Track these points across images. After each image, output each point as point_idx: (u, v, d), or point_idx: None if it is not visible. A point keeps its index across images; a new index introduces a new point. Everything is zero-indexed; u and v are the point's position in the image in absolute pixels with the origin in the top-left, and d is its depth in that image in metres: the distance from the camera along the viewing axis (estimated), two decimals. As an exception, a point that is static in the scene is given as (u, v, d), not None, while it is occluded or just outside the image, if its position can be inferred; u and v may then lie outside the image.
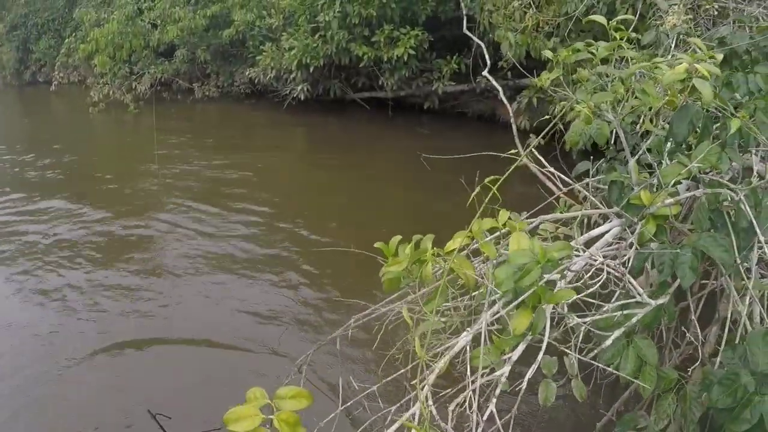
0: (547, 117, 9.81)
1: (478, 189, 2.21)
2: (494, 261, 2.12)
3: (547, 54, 3.08)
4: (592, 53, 2.77)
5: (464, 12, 10.26)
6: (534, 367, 1.95)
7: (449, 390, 2.27)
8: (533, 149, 8.60)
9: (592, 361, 2.41)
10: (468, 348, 2.02)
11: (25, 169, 11.59)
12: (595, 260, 2.41)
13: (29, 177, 11.13)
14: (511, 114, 9.45)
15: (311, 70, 12.52)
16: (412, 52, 11.25)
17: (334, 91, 13.73)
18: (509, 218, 2.28)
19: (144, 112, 16.32)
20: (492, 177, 2.21)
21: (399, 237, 2.47)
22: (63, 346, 5.49)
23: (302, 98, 13.37)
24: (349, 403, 3.03)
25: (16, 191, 10.11)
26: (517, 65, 6.65)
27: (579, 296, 2.20)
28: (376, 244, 2.44)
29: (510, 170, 2.24)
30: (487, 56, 10.23)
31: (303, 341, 5.31)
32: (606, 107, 2.77)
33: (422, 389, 1.91)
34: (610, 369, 2.39)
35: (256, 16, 14.97)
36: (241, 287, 6.54)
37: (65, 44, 21.04)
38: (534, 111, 10.11)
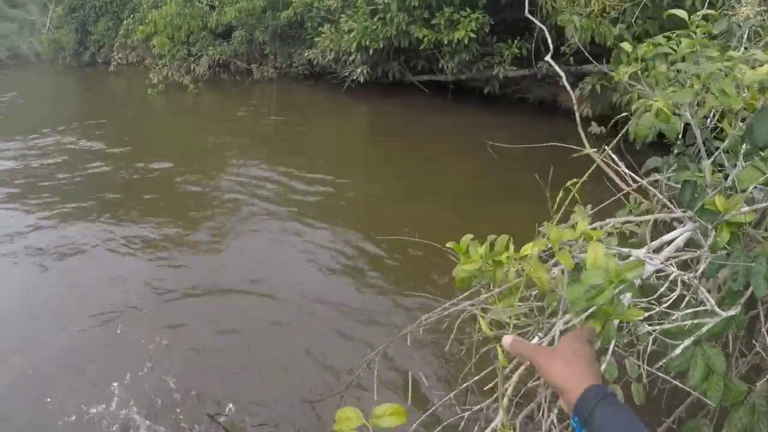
0: (610, 105, 9.70)
1: (561, 193, 2.11)
2: (568, 271, 2.03)
3: (625, 47, 2.93)
4: (672, 49, 2.64)
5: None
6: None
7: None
8: (594, 137, 8.37)
9: (652, 370, 2.31)
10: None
11: (92, 141, 11.85)
12: (666, 268, 2.30)
13: (96, 149, 11.35)
14: (574, 102, 9.26)
15: (370, 52, 12.42)
16: (472, 35, 11.02)
17: (393, 73, 13.62)
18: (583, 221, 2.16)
19: (203, 92, 16.51)
20: (572, 180, 2.11)
21: (470, 236, 2.39)
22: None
23: (361, 80, 13.30)
24: (425, 415, 3.01)
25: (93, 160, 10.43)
26: (583, 50, 6.47)
27: (646, 300, 2.12)
28: (449, 244, 2.38)
29: (587, 173, 2.12)
30: (549, 41, 10.06)
31: (369, 332, 5.24)
32: (684, 105, 2.62)
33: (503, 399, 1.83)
34: (670, 378, 2.29)
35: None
36: (298, 266, 6.51)
37: (123, 26, 21.34)
38: (597, 98, 9.88)
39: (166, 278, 6.27)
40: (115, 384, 4.55)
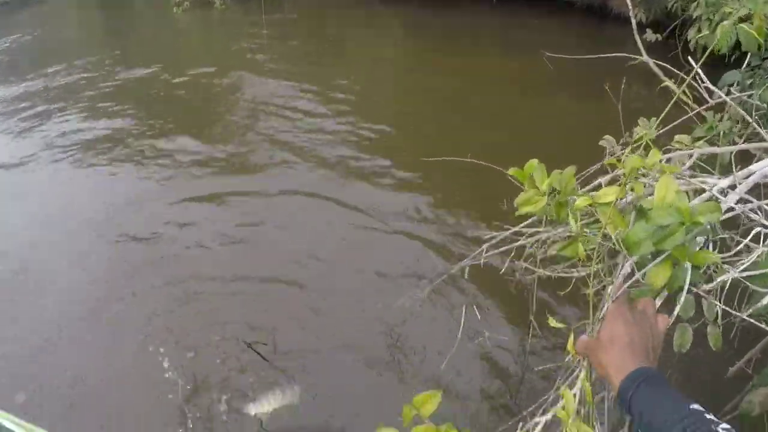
0: (666, 11, 8.88)
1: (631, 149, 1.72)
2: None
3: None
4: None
5: None
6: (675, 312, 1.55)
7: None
8: (649, 45, 7.70)
9: (730, 310, 1.91)
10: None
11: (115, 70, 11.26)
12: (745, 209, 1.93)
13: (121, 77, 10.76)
14: (629, 6, 8.49)
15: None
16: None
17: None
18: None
19: (231, 8, 15.78)
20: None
21: (535, 161, 1.93)
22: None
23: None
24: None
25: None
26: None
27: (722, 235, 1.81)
28: (511, 171, 1.90)
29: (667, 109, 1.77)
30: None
31: (423, 260, 4.99)
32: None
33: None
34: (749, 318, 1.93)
35: None
36: (345, 192, 6.15)
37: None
38: (651, 2, 9.07)
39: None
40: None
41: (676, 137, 3.69)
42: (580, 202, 1.59)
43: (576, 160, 1.69)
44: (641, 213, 1.53)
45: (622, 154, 1.58)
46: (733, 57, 5.29)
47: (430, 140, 7.24)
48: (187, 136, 7.64)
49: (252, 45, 11.86)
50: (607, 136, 4.31)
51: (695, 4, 8.07)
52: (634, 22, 7.87)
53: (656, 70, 7.18)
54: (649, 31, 8.38)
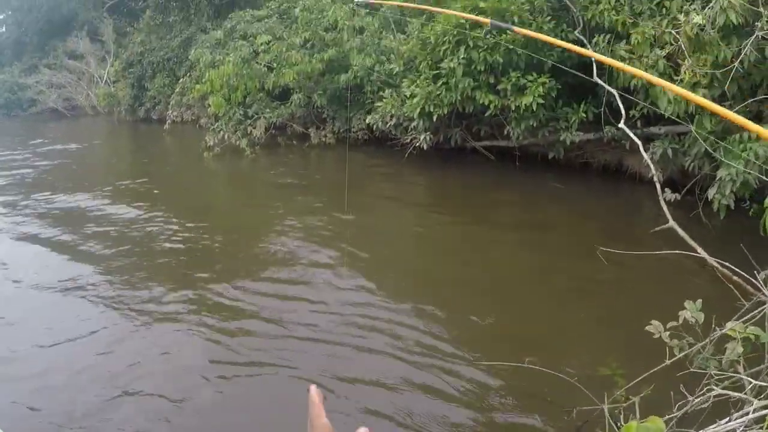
0: (682, 170, 9.39)
1: None
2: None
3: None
4: None
5: (594, 58, 9.97)
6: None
7: None
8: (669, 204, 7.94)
9: None
10: None
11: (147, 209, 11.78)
12: None
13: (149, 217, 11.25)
14: (653, 170, 8.98)
15: (434, 118, 12.18)
16: (540, 101, 10.80)
17: (455, 139, 13.35)
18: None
19: (259, 156, 16.48)
20: None
21: (635, 423, 2.20)
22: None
23: (424, 147, 12.96)
24: None
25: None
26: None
27: None
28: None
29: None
30: (621, 107, 9.87)
31: None
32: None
33: None
34: None
35: (375, 61, 14.89)
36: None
37: (180, 84, 21.75)
38: (667, 162, 9.62)
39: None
40: None
41: (729, 325, 3.94)
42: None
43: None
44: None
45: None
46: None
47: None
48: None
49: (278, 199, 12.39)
50: (654, 322, 4.52)
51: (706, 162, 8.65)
52: (659, 186, 8.33)
53: (683, 235, 7.57)
54: (668, 190, 8.78)
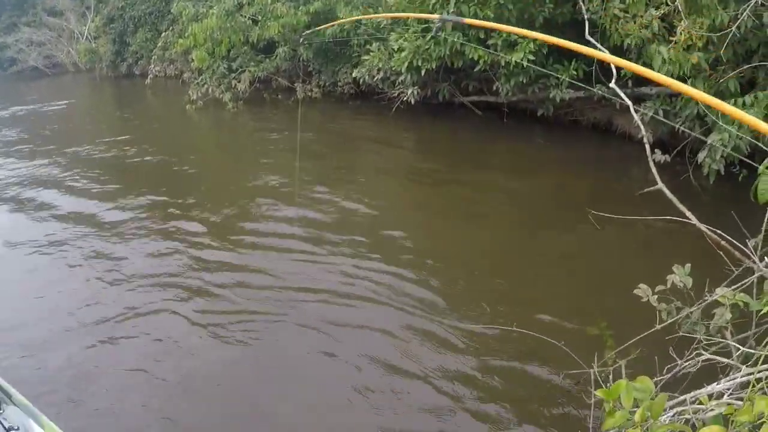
0: (672, 131, 9.31)
1: None
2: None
3: None
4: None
5: (585, 16, 9.79)
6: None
7: None
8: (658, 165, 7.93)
9: None
10: None
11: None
12: None
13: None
14: (643, 131, 8.91)
15: (422, 73, 11.94)
16: (531, 57, 10.59)
17: (443, 94, 13.17)
18: None
19: (243, 111, 16.26)
20: None
21: (624, 382, 2.17)
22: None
23: (412, 102, 12.81)
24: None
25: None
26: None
27: None
28: (598, 392, 2.16)
29: None
30: (613, 66, 9.73)
31: None
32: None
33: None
34: None
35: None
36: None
37: (162, 38, 21.33)
38: (658, 123, 9.49)
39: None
40: None
41: (718, 291, 3.93)
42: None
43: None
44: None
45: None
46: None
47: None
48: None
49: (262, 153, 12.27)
50: (642, 285, 4.51)
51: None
52: (648, 146, 8.17)
53: (672, 197, 7.49)
54: (658, 151, 8.74)
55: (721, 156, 7.72)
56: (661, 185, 8.38)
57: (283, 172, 10.69)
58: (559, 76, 10.86)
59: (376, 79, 13.60)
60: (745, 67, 7.78)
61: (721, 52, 7.71)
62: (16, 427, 2.64)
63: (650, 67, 8.52)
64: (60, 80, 26.00)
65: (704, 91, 7.89)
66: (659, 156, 8.61)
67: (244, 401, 4.91)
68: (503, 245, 7.68)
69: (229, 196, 9.82)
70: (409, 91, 12.68)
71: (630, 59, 9.16)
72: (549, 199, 9.06)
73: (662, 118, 9.25)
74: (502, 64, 10.95)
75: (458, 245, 7.63)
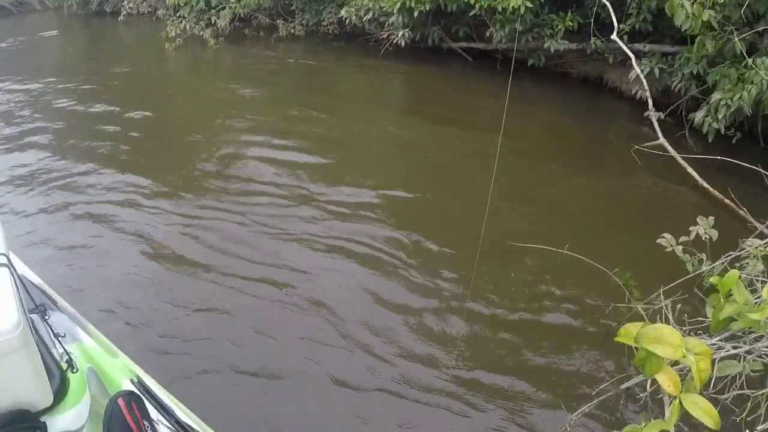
0: (668, 89, 9.16)
1: None
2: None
3: None
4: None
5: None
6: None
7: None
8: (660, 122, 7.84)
9: None
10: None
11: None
12: None
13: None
14: (645, 86, 8.77)
15: (414, 14, 11.58)
16: (529, 4, 10.27)
17: (433, 38, 12.83)
18: None
19: (224, 48, 15.76)
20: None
21: (737, 273, 2.00)
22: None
23: (402, 44, 12.45)
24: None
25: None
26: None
27: None
28: (712, 280, 1.92)
29: None
30: (614, 18, 9.53)
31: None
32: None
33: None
34: None
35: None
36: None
37: (134, -28, 20.50)
38: (653, 81, 9.31)
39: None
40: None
41: (748, 242, 3.85)
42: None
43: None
44: None
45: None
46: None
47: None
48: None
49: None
50: (666, 235, 4.44)
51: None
52: (651, 101, 8.06)
53: (674, 153, 7.39)
54: (652, 109, 8.65)
55: (724, 116, 7.64)
56: (662, 140, 8.31)
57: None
58: (559, 23, 10.66)
59: (364, 19, 13.12)
60: (750, 32, 7.76)
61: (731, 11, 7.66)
62: (62, 334, 2.65)
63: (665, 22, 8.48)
64: (25, 19, 24.78)
65: (711, 49, 7.86)
66: (654, 113, 8.57)
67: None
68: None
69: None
70: (400, 34, 12.30)
71: (630, 15, 9.10)
72: (541, 147, 9.17)
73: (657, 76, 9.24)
74: (499, 9, 10.60)
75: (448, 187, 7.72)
